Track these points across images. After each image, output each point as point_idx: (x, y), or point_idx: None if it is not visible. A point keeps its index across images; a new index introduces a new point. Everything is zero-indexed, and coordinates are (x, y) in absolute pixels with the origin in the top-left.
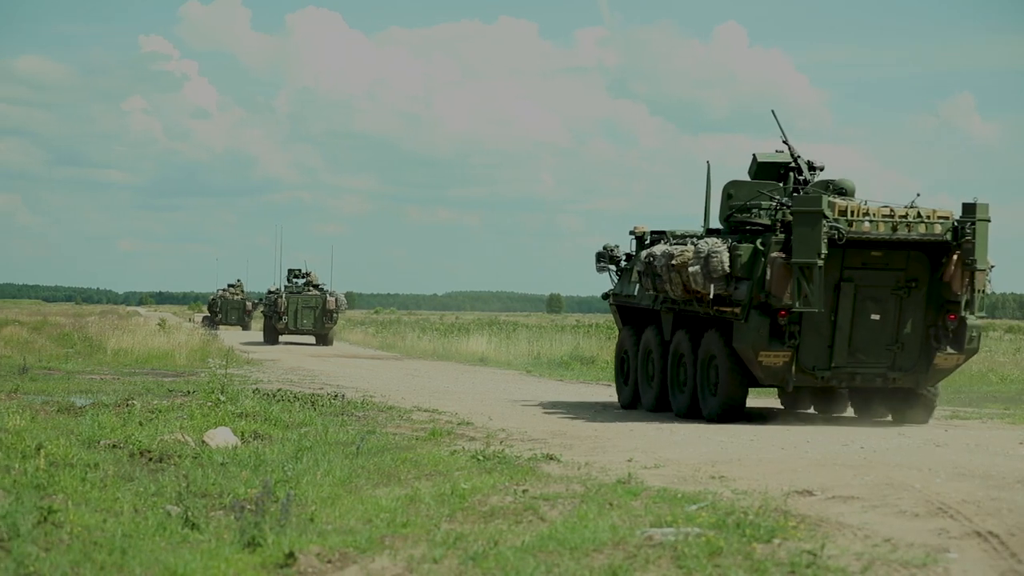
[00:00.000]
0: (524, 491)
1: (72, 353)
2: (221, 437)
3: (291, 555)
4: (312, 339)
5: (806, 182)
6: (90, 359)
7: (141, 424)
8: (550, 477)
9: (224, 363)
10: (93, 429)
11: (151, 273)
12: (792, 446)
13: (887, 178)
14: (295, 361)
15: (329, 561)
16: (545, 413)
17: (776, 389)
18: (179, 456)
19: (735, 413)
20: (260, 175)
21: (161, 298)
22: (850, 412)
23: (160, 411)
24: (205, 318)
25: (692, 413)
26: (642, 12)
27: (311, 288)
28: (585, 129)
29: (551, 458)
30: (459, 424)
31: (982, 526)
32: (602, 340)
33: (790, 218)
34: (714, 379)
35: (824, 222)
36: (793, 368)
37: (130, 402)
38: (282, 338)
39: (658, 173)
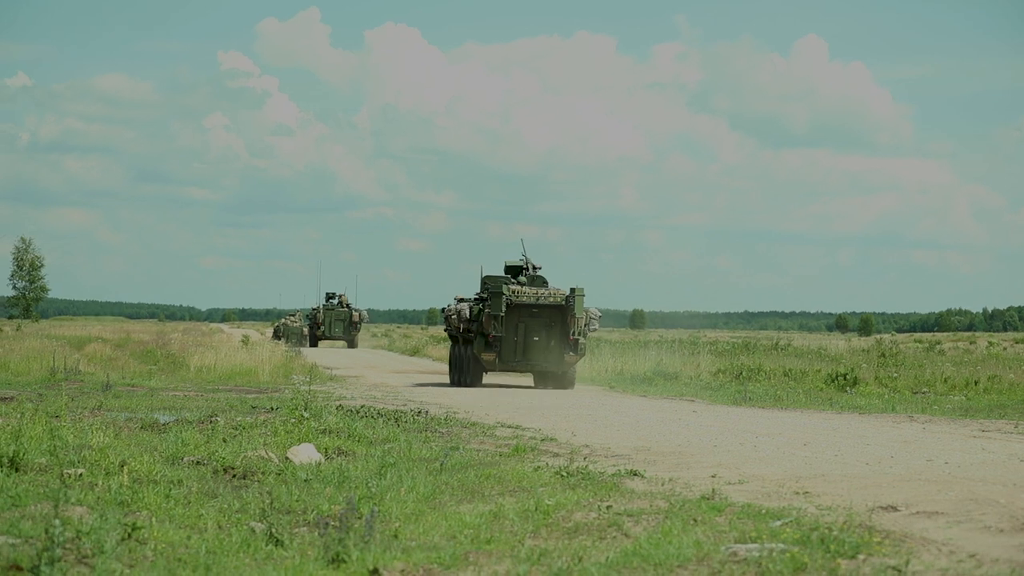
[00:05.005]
0: (608, 507)
1: (155, 370)
2: (305, 454)
3: (375, 571)
4: (344, 343)
5: (532, 276)
6: (173, 376)
7: (225, 441)
8: (634, 493)
9: (307, 380)
10: (177, 446)
11: (234, 290)
12: (876, 462)
13: (970, 192)
14: (378, 377)
15: None
16: (621, 428)
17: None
18: (263, 473)
19: (478, 381)
20: (342, 192)
21: (244, 315)
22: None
23: (244, 428)
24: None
25: (468, 384)
26: (721, 27)
27: (342, 306)
28: (665, 144)
29: (635, 474)
30: (543, 440)
31: None
32: (685, 356)
33: (491, 293)
34: (471, 367)
35: (503, 296)
36: (497, 361)
37: (214, 419)
38: (320, 343)
39: (739, 188)
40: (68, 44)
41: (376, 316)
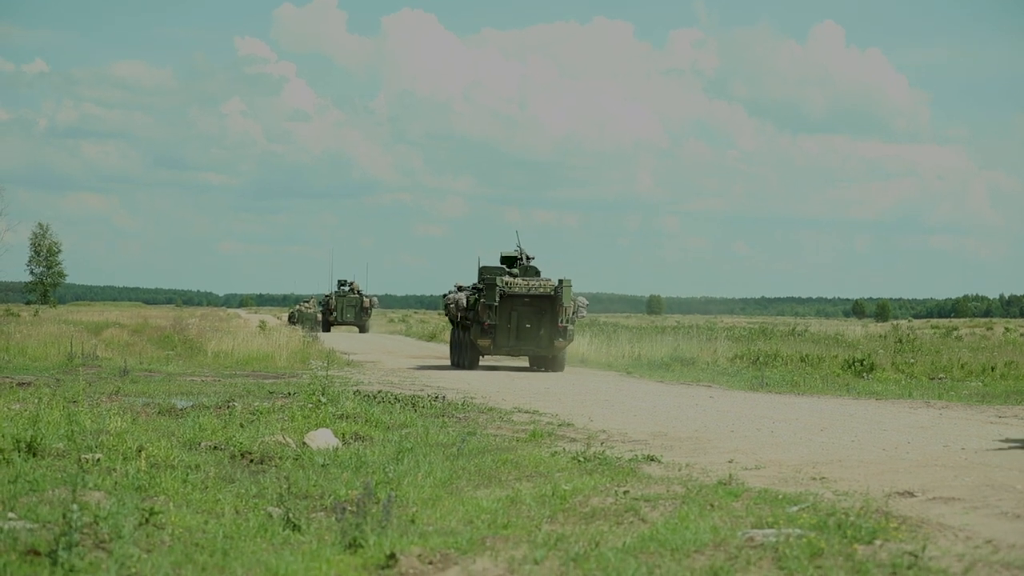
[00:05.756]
0: (625, 492)
1: (172, 355)
2: (322, 439)
3: (392, 556)
4: (356, 328)
5: (526, 267)
6: (190, 361)
7: (242, 426)
8: (651, 478)
9: (325, 365)
10: (194, 431)
11: (251, 276)
12: (893, 447)
13: (987, 178)
14: (395, 363)
15: (430, 562)
16: (636, 412)
17: (546, 362)
18: (280, 458)
19: (475, 364)
20: (359, 177)
21: (261, 300)
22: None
23: (261, 413)
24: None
25: (466, 367)
26: (738, 13)
27: (353, 293)
28: (682, 130)
29: (652, 459)
30: (559, 425)
31: None
32: (702, 341)
33: (486, 284)
34: (468, 351)
35: (497, 287)
36: (492, 347)
37: (231, 404)
38: (333, 328)
39: (756, 174)
40: (86, 30)
41: (393, 301)
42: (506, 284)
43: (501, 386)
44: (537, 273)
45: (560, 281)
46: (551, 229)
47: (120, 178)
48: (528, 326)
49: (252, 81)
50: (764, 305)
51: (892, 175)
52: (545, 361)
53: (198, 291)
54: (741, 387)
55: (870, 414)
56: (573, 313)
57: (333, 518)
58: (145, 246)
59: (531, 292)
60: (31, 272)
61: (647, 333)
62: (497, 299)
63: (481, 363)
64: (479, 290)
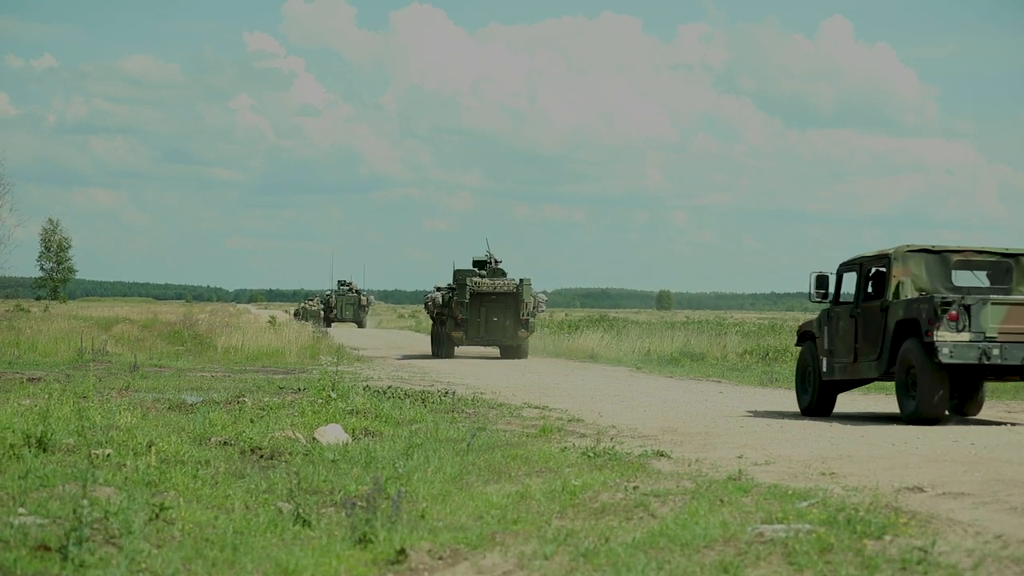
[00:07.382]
0: (635, 488)
1: (182, 351)
2: (332, 434)
3: (402, 552)
4: (354, 324)
5: (494, 269)
6: (200, 356)
7: (252, 421)
8: (660, 474)
9: (335, 360)
10: (204, 426)
11: (261, 271)
12: (903, 443)
13: (995, 173)
14: (405, 358)
15: (440, 558)
16: (648, 408)
17: (512, 351)
18: (290, 453)
19: (451, 354)
20: (368, 172)
21: (271, 295)
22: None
23: (271, 408)
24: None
25: (443, 356)
26: (746, 7)
27: (352, 292)
28: (690, 124)
29: (661, 455)
30: (569, 421)
31: None
32: (712, 337)
33: (458, 284)
34: (444, 342)
35: (467, 286)
36: (464, 338)
37: (241, 399)
38: (333, 324)
39: (764, 168)
40: (94, 25)
41: (403, 297)
42: (475, 284)
43: (511, 381)
44: (504, 274)
45: (520, 280)
46: (559, 224)
47: (129, 173)
48: (495, 319)
49: (261, 76)
50: (774, 300)
51: (900, 170)
52: (511, 350)
53: (208, 286)
54: (750, 383)
55: (879, 409)
56: (534, 308)
57: (343, 513)
58: (154, 241)
59: (496, 290)
60: (41, 268)
61: (656, 329)
62: (468, 297)
63: (457, 353)
64: (453, 289)
